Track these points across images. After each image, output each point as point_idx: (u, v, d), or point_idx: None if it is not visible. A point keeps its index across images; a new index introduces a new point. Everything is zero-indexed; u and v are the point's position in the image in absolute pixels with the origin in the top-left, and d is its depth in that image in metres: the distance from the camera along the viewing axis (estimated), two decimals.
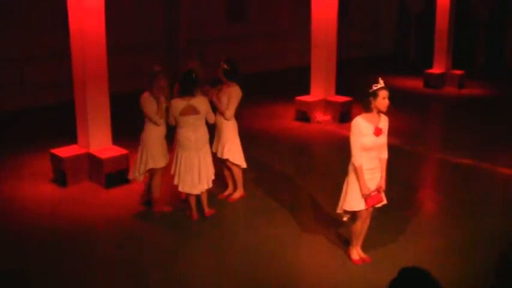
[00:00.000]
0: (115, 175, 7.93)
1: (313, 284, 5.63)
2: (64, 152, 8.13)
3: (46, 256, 6.15)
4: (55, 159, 8.12)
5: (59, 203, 7.52)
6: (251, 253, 6.16)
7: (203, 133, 6.78)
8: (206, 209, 6.99)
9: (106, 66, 8.13)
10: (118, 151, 8.13)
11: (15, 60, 12.22)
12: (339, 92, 12.05)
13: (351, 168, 5.63)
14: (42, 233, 6.66)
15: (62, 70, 10.46)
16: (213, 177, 6.93)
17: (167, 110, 6.81)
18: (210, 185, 6.90)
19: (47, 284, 5.63)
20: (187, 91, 6.67)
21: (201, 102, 6.71)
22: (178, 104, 6.65)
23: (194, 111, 6.65)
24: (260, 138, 10.59)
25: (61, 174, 8.03)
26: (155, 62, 7.05)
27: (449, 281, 5.25)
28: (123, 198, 7.60)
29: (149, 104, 6.81)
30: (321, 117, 11.68)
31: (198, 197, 6.96)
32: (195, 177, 6.75)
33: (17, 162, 9.01)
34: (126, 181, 8.00)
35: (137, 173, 7.07)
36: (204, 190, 6.85)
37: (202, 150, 6.76)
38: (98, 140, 8.15)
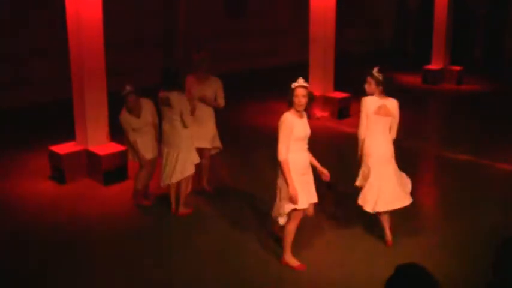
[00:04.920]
0: (113, 172, 7.93)
1: (310, 281, 5.62)
2: (62, 149, 8.12)
3: (44, 254, 6.14)
4: (53, 156, 8.11)
5: (57, 200, 7.52)
6: (249, 251, 6.17)
7: (179, 129, 6.79)
8: (181, 208, 7.00)
9: (104, 63, 8.12)
10: (116, 148, 8.13)
11: (11, 57, 12.20)
12: (337, 88, 12.04)
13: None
14: (41, 231, 6.65)
15: (60, 67, 10.44)
16: (188, 174, 6.87)
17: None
18: (173, 181, 6.87)
19: (45, 282, 5.63)
20: (166, 84, 6.79)
21: (174, 96, 6.75)
22: (160, 95, 6.84)
23: (168, 103, 6.74)
24: (258, 135, 10.57)
25: (59, 172, 8.02)
26: (126, 82, 7.07)
27: (447, 277, 5.26)
28: (122, 195, 7.59)
29: (123, 120, 6.99)
30: (320, 114, 11.67)
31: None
32: (167, 169, 6.85)
33: (15, 160, 9.00)
34: (125, 178, 8.00)
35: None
36: (166, 183, 6.91)
37: (180, 146, 6.79)
38: (96, 137, 8.15)
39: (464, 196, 7.66)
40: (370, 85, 6.27)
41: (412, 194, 7.10)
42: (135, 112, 6.98)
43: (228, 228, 6.75)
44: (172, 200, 7.03)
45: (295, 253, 6.05)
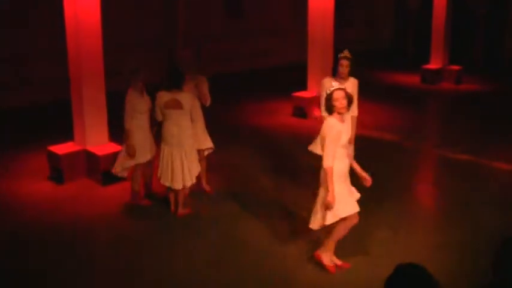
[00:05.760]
0: (112, 172, 7.89)
1: (310, 281, 5.61)
2: (60, 149, 8.11)
3: (44, 254, 6.12)
4: (52, 156, 8.10)
5: (56, 200, 7.50)
6: (249, 251, 6.15)
7: (186, 128, 6.74)
8: (180, 209, 6.96)
9: (102, 63, 8.10)
10: (115, 148, 8.10)
11: (11, 57, 12.19)
12: None
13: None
14: (40, 231, 6.64)
15: (60, 67, 10.43)
16: (196, 174, 6.91)
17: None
18: (194, 180, 6.87)
19: (45, 282, 5.62)
20: (173, 85, 6.66)
21: (186, 98, 6.69)
22: (163, 96, 6.67)
23: (178, 105, 6.64)
24: (257, 134, 10.57)
25: (58, 172, 8.01)
26: (132, 59, 7.10)
27: (446, 277, 5.25)
28: (120, 195, 7.57)
29: (130, 104, 6.90)
30: (318, 113, 11.64)
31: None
32: (178, 172, 6.74)
33: (14, 160, 8.98)
34: (123, 178, 7.98)
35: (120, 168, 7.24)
36: (187, 186, 6.82)
37: (185, 146, 6.73)
38: (94, 137, 8.13)
39: (464, 196, 7.64)
40: (346, 67, 6.71)
41: (412, 193, 7.12)
42: (140, 90, 6.97)
43: (228, 228, 6.72)
44: (172, 199, 7.01)
45: (293, 252, 6.06)
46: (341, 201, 5.36)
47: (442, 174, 8.90)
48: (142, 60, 7.07)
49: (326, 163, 5.30)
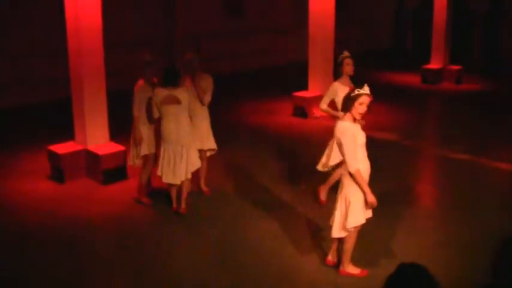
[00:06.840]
0: (112, 171, 7.92)
1: (311, 281, 5.62)
2: (61, 148, 8.11)
3: (44, 254, 6.13)
4: (52, 156, 8.10)
5: (56, 199, 7.50)
6: (250, 250, 6.16)
7: (185, 125, 6.74)
8: (183, 205, 6.98)
9: (103, 62, 8.11)
10: (115, 147, 8.12)
11: (11, 57, 12.20)
12: None
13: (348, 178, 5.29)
14: (40, 231, 6.64)
15: (60, 67, 10.44)
16: (193, 170, 6.90)
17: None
18: (189, 176, 6.86)
19: (46, 282, 5.62)
20: (169, 82, 6.69)
21: (183, 93, 6.70)
22: (160, 92, 6.69)
23: (175, 100, 6.65)
24: (258, 134, 10.57)
25: (58, 171, 8.02)
26: (147, 51, 7.12)
27: (447, 277, 5.26)
28: (121, 194, 7.58)
29: (139, 94, 6.97)
30: (319, 113, 11.66)
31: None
32: (177, 167, 6.76)
33: (14, 159, 8.99)
34: (124, 177, 7.99)
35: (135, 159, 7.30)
36: (182, 179, 6.82)
37: (183, 143, 6.74)
38: (95, 136, 8.14)
39: (464, 195, 7.65)
40: (352, 65, 6.97)
41: (412, 193, 7.03)
42: (151, 83, 7.04)
43: (228, 228, 6.73)
44: (173, 196, 7.02)
45: (294, 252, 6.06)
46: (357, 209, 5.30)
47: (442, 174, 8.90)
48: (157, 54, 7.08)
49: (351, 167, 5.12)
